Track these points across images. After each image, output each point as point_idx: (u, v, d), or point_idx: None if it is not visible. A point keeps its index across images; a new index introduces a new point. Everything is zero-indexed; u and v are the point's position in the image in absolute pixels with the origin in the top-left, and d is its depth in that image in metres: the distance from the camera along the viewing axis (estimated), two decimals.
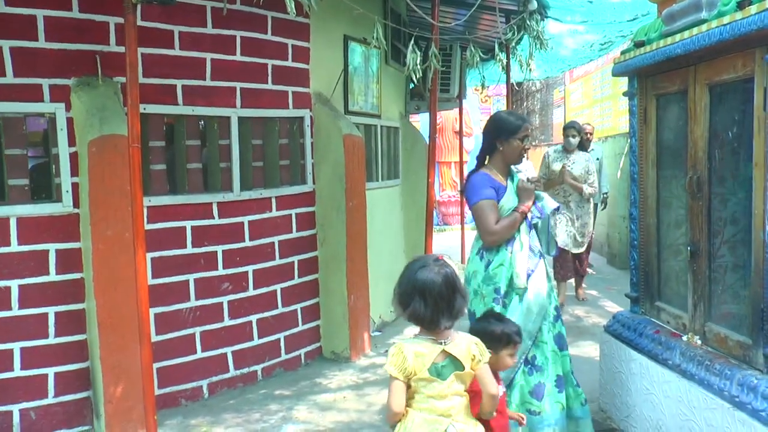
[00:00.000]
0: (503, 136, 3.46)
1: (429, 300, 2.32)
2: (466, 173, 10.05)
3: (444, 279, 2.33)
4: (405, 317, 2.40)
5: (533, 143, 14.28)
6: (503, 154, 3.49)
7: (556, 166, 6.77)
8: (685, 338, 3.37)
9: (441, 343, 2.35)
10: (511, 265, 3.38)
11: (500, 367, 2.94)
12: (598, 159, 7.93)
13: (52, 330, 3.96)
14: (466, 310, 2.40)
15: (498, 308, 3.32)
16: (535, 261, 3.45)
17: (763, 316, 2.76)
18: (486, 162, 3.59)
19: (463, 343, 2.38)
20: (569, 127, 6.91)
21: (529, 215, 3.47)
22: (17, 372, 3.88)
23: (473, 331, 2.72)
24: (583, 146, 6.60)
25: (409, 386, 2.35)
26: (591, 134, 7.94)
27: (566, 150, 6.85)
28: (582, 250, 6.95)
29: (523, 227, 3.45)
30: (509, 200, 3.45)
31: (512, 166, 3.59)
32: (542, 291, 3.41)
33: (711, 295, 3.25)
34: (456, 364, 2.35)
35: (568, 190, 6.71)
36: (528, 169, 7.63)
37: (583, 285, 7.40)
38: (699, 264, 3.28)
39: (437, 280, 2.32)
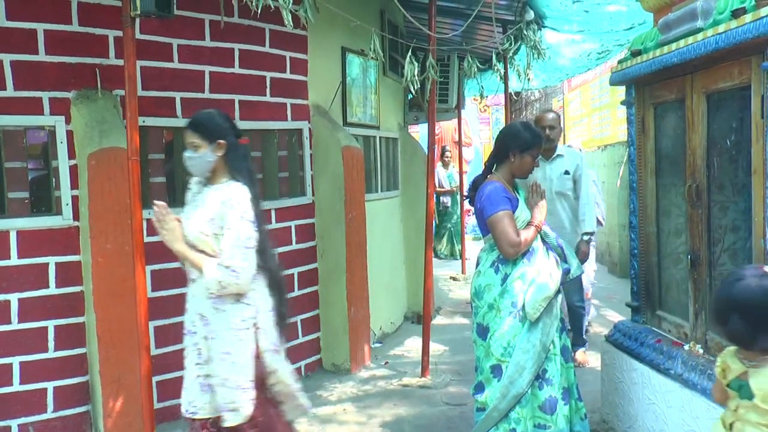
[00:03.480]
0: (518, 149, 3.45)
1: (748, 316, 2.04)
2: (467, 182, 10.02)
3: (764, 292, 2.03)
4: (723, 336, 2.23)
5: None
6: (513, 166, 3.48)
7: None
8: (686, 347, 3.36)
9: (746, 363, 2.10)
10: (538, 290, 3.31)
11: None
12: (567, 172, 5.06)
13: (51, 344, 3.94)
14: None
15: (514, 322, 3.30)
16: (558, 273, 3.43)
17: None
18: (493, 169, 3.57)
19: None
20: None
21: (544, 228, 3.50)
22: (16, 386, 3.86)
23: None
24: None
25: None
26: (552, 129, 5.03)
27: None
28: None
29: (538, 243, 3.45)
30: (523, 212, 3.43)
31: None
32: (556, 302, 3.40)
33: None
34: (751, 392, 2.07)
35: None
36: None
37: None
38: (699, 272, 3.27)
39: (757, 294, 2.03)
